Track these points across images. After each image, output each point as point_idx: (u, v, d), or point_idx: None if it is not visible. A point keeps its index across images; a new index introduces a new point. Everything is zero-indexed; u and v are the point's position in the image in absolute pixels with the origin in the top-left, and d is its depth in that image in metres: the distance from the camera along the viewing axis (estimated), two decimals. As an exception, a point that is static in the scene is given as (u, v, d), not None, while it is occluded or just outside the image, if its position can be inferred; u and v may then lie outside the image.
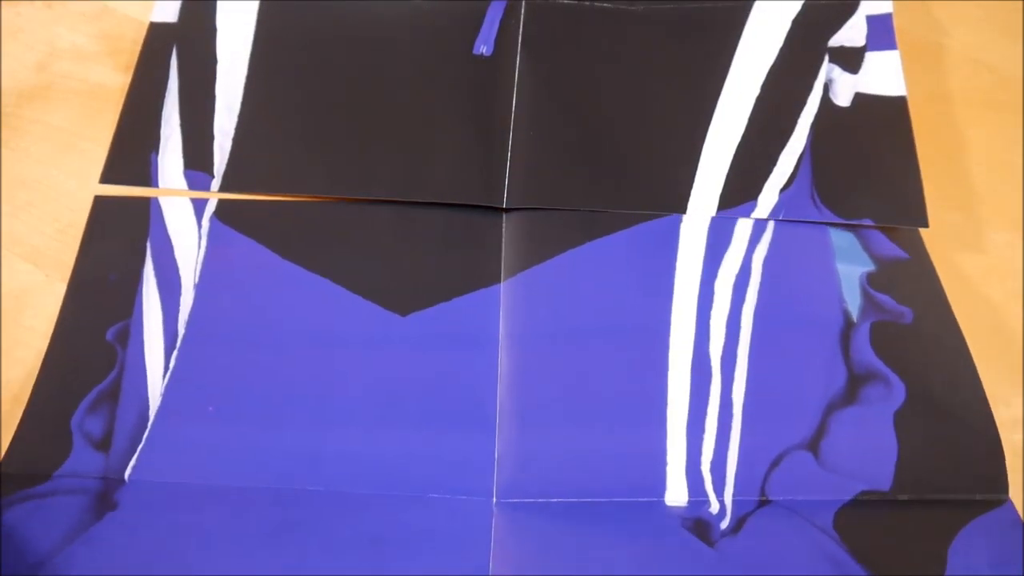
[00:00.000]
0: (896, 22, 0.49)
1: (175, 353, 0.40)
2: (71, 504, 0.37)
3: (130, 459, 0.38)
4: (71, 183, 0.46)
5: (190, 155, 0.46)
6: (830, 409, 0.39)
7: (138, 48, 0.50)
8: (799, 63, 0.48)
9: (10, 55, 0.50)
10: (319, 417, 0.39)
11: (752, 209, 0.44)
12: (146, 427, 0.39)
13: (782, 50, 0.48)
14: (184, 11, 0.51)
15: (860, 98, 0.47)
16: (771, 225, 0.43)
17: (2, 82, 0.49)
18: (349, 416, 0.39)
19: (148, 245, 0.43)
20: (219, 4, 0.51)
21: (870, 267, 0.42)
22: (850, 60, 0.48)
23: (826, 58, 0.48)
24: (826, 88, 0.47)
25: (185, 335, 0.41)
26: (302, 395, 0.39)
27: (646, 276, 0.42)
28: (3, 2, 0.52)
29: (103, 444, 0.38)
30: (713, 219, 0.43)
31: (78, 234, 0.45)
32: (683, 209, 0.44)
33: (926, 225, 0.43)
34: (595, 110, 0.47)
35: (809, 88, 0.47)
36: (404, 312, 0.41)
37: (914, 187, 0.44)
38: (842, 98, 0.47)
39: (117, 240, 0.44)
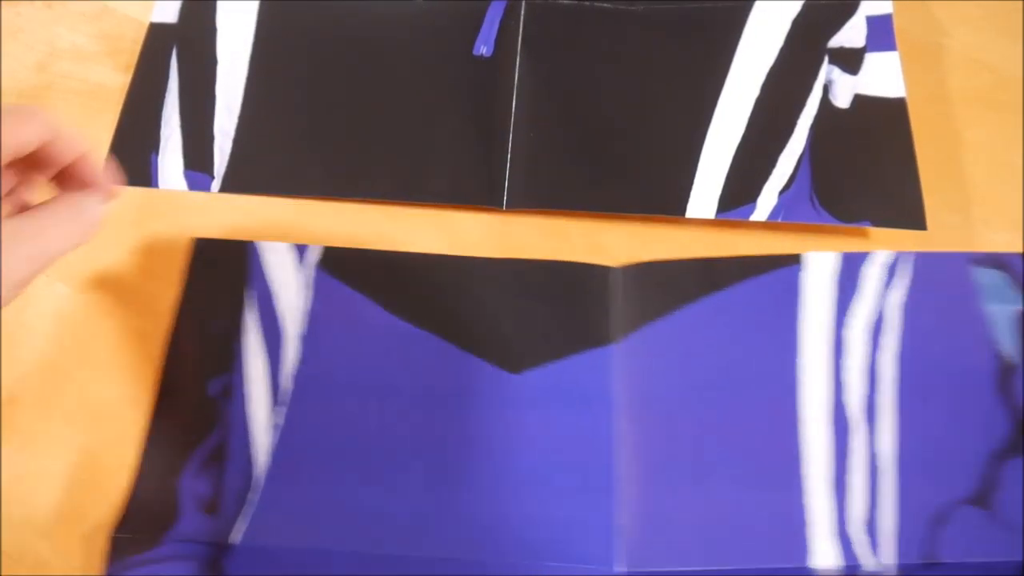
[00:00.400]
0: (896, 22, 0.49)
1: (284, 410, 0.39)
2: (182, 570, 0.36)
3: (238, 522, 0.37)
4: (71, 183, 0.46)
5: (190, 155, 0.46)
6: (996, 459, 0.37)
7: (138, 48, 0.50)
8: (799, 64, 0.48)
9: (10, 55, 0.50)
10: (431, 478, 0.37)
11: (751, 211, 0.44)
12: (253, 488, 0.37)
13: (782, 51, 0.48)
14: (184, 11, 0.51)
15: (860, 99, 0.47)
16: (905, 267, 0.42)
17: (2, 82, 0.49)
18: (461, 477, 0.37)
19: (249, 293, 0.42)
20: (219, 4, 0.50)
21: (1021, 304, 0.40)
22: (850, 61, 0.48)
23: (826, 59, 0.48)
24: (826, 89, 0.47)
25: (293, 391, 0.39)
26: (413, 455, 0.38)
27: (768, 329, 0.40)
28: (3, 2, 0.52)
29: (211, 506, 0.37)
30: (839, 269, 0.42)
31: (78, 234, 0.45)
32: (682, 211, 0.44)
33: (924, 228, 0.43)
34: (595, 110, 0.47)
35: (809, 89, 0.47)
36: (516, 370, 0.40)
37: (913, 190, 0.44)
38: (842, 99, 0.47)
39: (217, 285, 0.42)
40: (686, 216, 0.44)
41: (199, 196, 0.46)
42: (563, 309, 0.41)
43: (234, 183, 0.46)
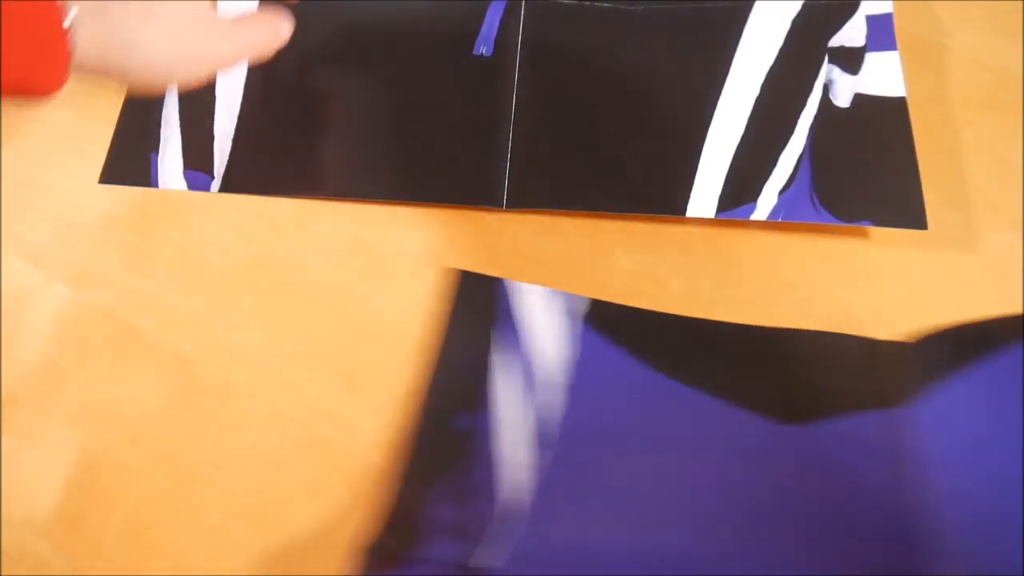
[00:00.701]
0: (896, 22, 0.49)
1: (550, 452, 0.39)
2: None
3: (493, 549, 0.37)
4: (71, 183, 0.46)
5: (190, 155, 0.46)
6: None
7: (138, 48, 0.50)
8: (799, 63, 0.47)
9: (10, 55, 0.50)
10: (692, 526, 0.37)
11: (751, 211, 0.43)
12: (511, 519, 0.37)
13: (782, 50, 0.47)
14: None
15: (860, 99, 0.46)
16: None
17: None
18: (729, 530, 0.37)
19: (497, 331, 0.42)
20: (218, 4, 0.50)
21: None
22: (850, 60, 0.47)
23: (826, 58, 0.47)
24: (826, 89, 0.46)
25: (560, 435, 0.39)
26: (678, 503, 0.38)
27: None
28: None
29: (458, 532, 0.37)
30: None
31: (78, 234, 0.45)
32: (682, 211, 0.44)
33: (925, 227, 0.43)
34: (595, 110, 0.47)
35: (809, 89, 0.46)
36: (788, 421, 0.39)
37: (913, 189, 0.44)
38: (842, 99, 0.46)
39: (470, 321, 0.42)
40: (686, 216, 0.44)
41: (199, 196, 0.45)
42: (842, 372, 0.40)
43: (234, 183, 0.46)
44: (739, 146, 0.45)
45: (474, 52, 0.48)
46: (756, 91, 0.47)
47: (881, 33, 0.48)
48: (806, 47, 0.48)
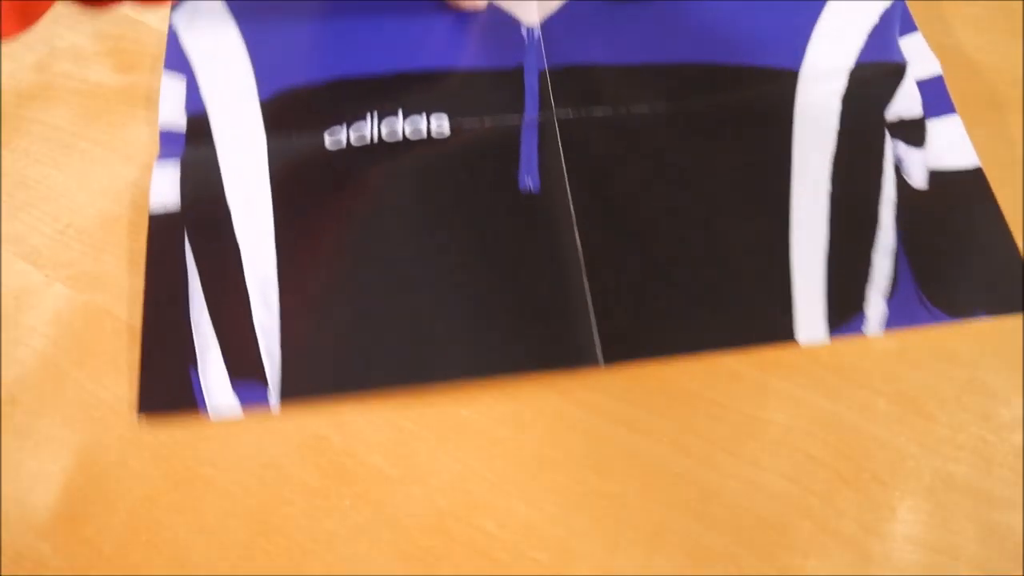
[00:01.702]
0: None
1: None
2: None
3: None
4: (71, 183, 0.46)
5: (234, 364, 0.40)
6: None
7: (138, 48, 0.50)
8: (862, 145, 0.44)
9: (10, 55, 0.50)
10: None
11: (862, 323, 0.40)
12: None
13: (840, 133, 0.44)
14: (187, 194, 0.44)
15: (935, 176, 0.43)
16: None
17: (2, 82, 0.49)
18: None
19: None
20: (226, 182, 0.44)
21: None
22: (912, 134, 0.44)
23: (887, 135, 0.44)
24: (897, 169, 0.44)
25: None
26: None
27: None
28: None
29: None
30: None
31: (78, 234, 0.45)
32: (792, 336, 0.40)
33: None
34: (663, 233, 0.42)
35: (880, 172, 0.43)
36: None
37: (1015, 266, 0.41)
38: (917, 178, 0.43)
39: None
40: (799, 342, 0.40)
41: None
42: None
43: (294, 387, 0.40)
44: (829, 252, 0.42)
45: (520, 188, 0.44)
46: (827, 184, 0.43)
47: (935, 97, 0.46)
48: (864, 125, 0.45)
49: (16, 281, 0.44)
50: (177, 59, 0.48)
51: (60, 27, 0.51)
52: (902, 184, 0.43)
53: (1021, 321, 0.41)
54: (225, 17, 0.50)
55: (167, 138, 0.46)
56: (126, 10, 0.52)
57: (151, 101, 0.49)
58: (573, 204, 0.43)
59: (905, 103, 0.45)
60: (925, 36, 0.49)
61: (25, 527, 0.38)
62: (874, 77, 0.46)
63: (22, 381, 0.41)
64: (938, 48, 0.49)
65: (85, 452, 0.40)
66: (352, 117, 0.45)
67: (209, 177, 0.44)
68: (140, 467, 0.39)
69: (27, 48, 0.51)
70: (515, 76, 0.47)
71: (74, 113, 0.48)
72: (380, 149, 0.44)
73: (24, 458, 0.39)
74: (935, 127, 0.45)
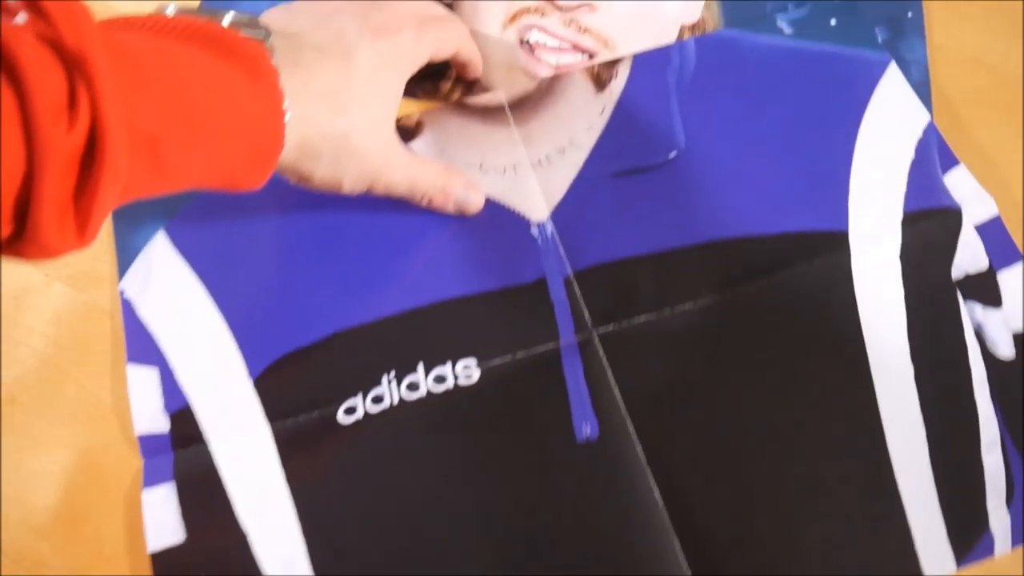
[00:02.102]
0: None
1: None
2: None
3: None
4: (71, 183, 0.46)
5: None
6: None
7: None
8: (935, 315, 0.39)
9: (10, 55, 0.50)
10: None
11: (991, 543, 0.35)
12: None
13: (908, 303, 0.39)
14: (190, 520, 0.37)
15: (1021, 341, 0.38)
16: None
17: (2, 82, 0.49)
18: None
19: None
20: (234, 499, 0.37)
21: None
22: (985, 291, 0.39)
23: (960, 298, 0.39)
24: (979, 337, 0.38)
25: None
26: None
27: None
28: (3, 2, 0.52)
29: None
30: None
31: (78, 234, 0.45)
32: (919, 571, 0.35)
33: None
34: (749, 469, 0.37)
35: (964, 347, 0.38)
36: None
37: None
38: (1003, 347, 0.38)
39: None
40: None
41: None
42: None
43: None
44: (934, 466, 0.36)
45: (578, 440, 0.37)
46: (909, 369, 0.38)
47: (999, 244, 0.40)
48: (932, 288, 0.39)
49: (16, 281, 0.44)
50: (141, 346, 0.41)
51: (60, 27, 0.51)
52: (989, 357, 0.38)
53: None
54: (186, 274, 0.42)
55: (149, 445, 0.39)
56: (125, 11, 0.52)
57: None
58: (639, 441, 0.37)
59: (968, 255, 0.40)
60: (925, 36, 0.48)
61: (25, 527, 0.38)
62: (929, 229, 0.41)
63: (22, 381, 0.41)
64: (938, 48, 0.49)
65: (85, 452, 0.40)
66: (365, 383, 0.39)
67: (211, 493, 0.37)
68: (140, 467, 0.39)
69: (27, 48, 0.51)
70: (539, 290, 0.41)
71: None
72: (404, 411, 0.38)
73: (24, 458, 0.39)
74: (1006, 279, 0.40)
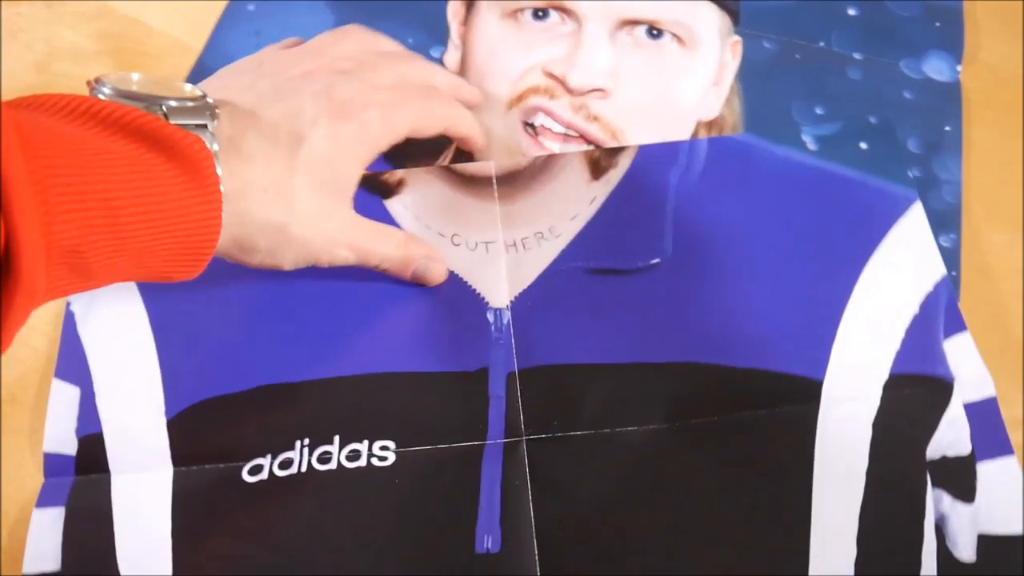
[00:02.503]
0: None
1: None
2: None
3: None
4: (71, 183, 0.46)
5: None
6: None
7: (138, 48, 0.50)
8: (896, 496, 0.35)
9: (10, 55, 0.50)
10: None
11: None
12: None
13: (869, 478, 0.35)
14: (69, 552, 0.36)
15: (986, 545, 0.34)
16: None
17: (2, 82, 0.49)
18: None
19: None
20: (118, 539, 0.36)
21: None
22: (959, 481, 0.35)
23: (928, 482, 0.35)
24: (939, 532, 0.34)
25: None
26: None
27: None
28: (3, 2, 0.52)
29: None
30: None
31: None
32: None
33: None
34: None
35: (918, 538, 0.34)
36: None
37: None
38: (964, 548, 0.34)
39: None
40: None
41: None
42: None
43: None
44: None
45: (477, 550, 0.34)
46: (852, 551, 0.34)
47: (989, 430, 0.36)
48: (900, 465, 0.35)
49: (16, 281, 0.44)
50: (71, 362, 0.40)
51: (60, 27, 0.51)
52: (945, 557, 0.34)
53: (1020, 323, 0.41)
54: (133, 299, 0.41)
55: (53, 464, 0.38)
56: (125, 11, 0.52)
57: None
58: (540, 567, 0.34)
59: (951, 435, 0.36)
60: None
61: (25, 527, 0.38)
62: (913, 397, 0.37)
63: (22, 381, 0.41)
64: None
65: (85, 452, 0.40)
66: (277, 444, 0.37)
67: (97, 528, 0.36)
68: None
69: (27, 48, 0.51)
70: (479, 381, 0.38)
71: (74, 113, 0.48)
72: (310, 481, 0.36)
73: (24, 458, 0.39)
74: (987, 472, 0.35)
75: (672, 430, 0.36)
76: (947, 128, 0.45)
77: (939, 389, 0.37)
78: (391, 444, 0.36)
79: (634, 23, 0.46)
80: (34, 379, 0.41)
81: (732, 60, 0.47)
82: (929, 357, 0.38)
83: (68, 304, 0.41)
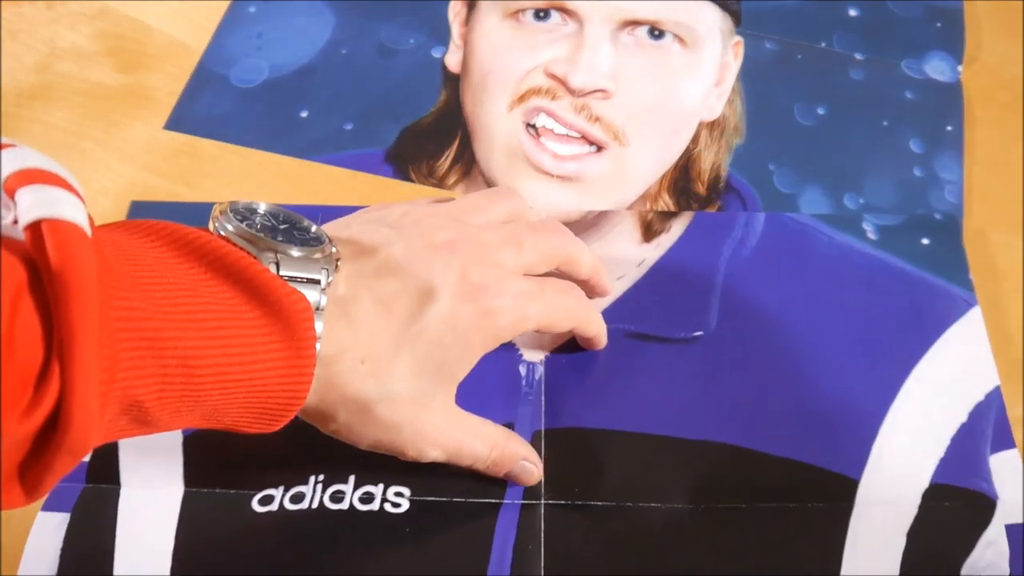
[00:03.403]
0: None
1: None
2: None
3: None
4: (71, 183, 0.46)
5: None
6: None
7: (138, 48, 0.50)
8: None
9: (10, 55, 0.50)
10: None
11: None
12: None
13: None
14: (66, 562, 0.34)
15: None
16: None
17: (2, 82, 0.49)
18: None
19: None
20: (117, 558, 0.35)
21: None
22: None
23: None
24: None
25: None
26: None
27: None
28: (3, 2, 0.52)
29: None
30: None
31: (78, 234, 0.45)
32: None
33: None
34: None
35: None
36: None
37: None
38: None
39: None
40: None
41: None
42: None
43: None
44: None
45: None
46: None
47: None
48: None
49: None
50: None
51: (60, 27, 0.51)
52: None
53: (1020, 323, 0.41)
54: None
55: None
56: (126, 11, 0.52)
57: (151, 101, 0.49)
58: None
59: (988, 556, 0.34)
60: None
61: (25, 527, 0.38)
62: (952, 512, 0.35)
63: (22, 381, 0.41)
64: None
65: (86, 452, 0.39)
66: (291, 477, 0.36)
67: (100, 540, 0.35)
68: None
69: (27, 48, 0.51)
70: None
71: (74, 113, 0.48)
72: (320, 519, 0.35)
73: (25, 458, 0.39)
74: None
75: (696, 511, 0.35)
76: (948, 128, 0.46)
77: (981, 506, 0.35)
78: (406, 491, 0.35)
79: (636, 24, 0.46)
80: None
81: (734, 61, 0.47)
82: (973, 470, 0.36)
83: None
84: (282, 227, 0.30)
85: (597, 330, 0.38)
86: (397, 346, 0.31)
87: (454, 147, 0.44)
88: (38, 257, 0.23)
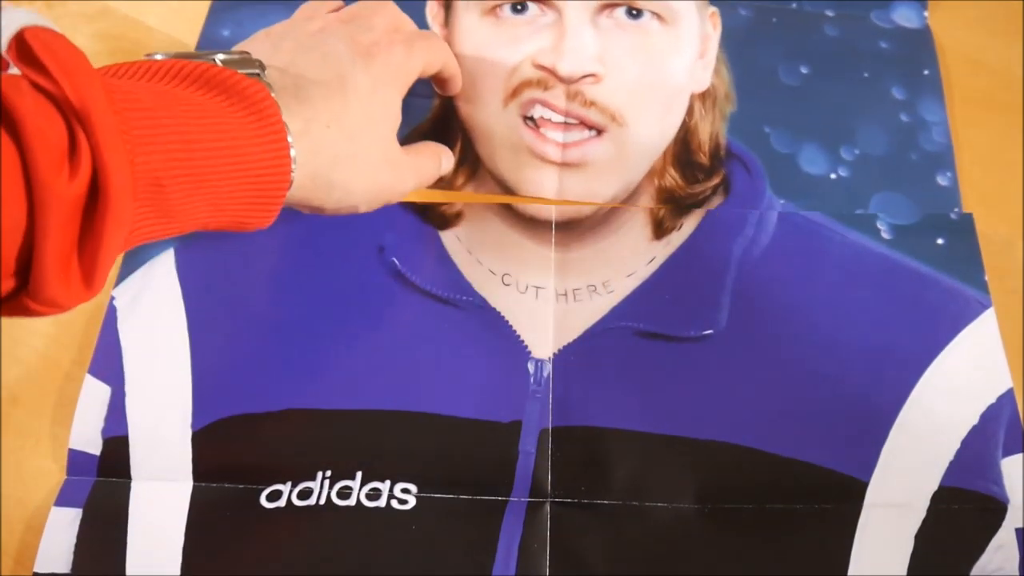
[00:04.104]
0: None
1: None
2: None
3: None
4: (71, 183, 0.46)
5: None
6: None
7: (138, 48, 0.50)
8: None
9: (10, 55, 0.50)
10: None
11: None
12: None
13: None
14: (80, 557, 0.36)
15: None
16: None
17: (2, 82, 0.49)
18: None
19: None
20: (129, 550, 0.36)
21: None
22: None
23: None
24: None
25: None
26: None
27: None
28: (3, 2, 0.52)
29: None
30: None
31: (78, 234, 0.45)
32: None
33: None
34: None
35: None
36: None
37: None
38: None
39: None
40: None
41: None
42: None
43: None
44: None
45: None
46: None
47: None
48: None
49: (16, 281, 0.44)
50: (106, 360, 0.40)
51: (60, 27, 0.51)
52: None
53: (1020, 323, 0.41)
54: (175, 303, 0.41)
55: (77, 461, 0.38)
56: (126, 11, 0.52)
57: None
58: None
59: (998, 560, 0.34)
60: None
61: (25, 527, 0.38)
62: (962, 515, 0.35)
63: (23, 381, 0.41)
64: (938, 48, 0.49)
65: (85, 452, 0.40)
66: (299, 473, 0.37)
67: (112, 534, 0.36)
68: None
69: (27, 48, 0.51)
70: (510, 433, 0.37)
71: (74, 113, 0.48)
72: (327, 515, 0.36)
73: (24, 458, 0.39)
74: None
75: (702, 512, 0.35)
76: (926, 72, 0.47)
77: (991, 509, 0.35)
78: (412, 487, 0.36)
79: (613, 6, 0.46)
80: (35, 379, 0.41)
81: (713, 31, 0.48)
82: (984, 473, 0.36)
83: (112, 298, 0.41)
84: (198, 54, 0.34)
85: (455, 70, 0.44)
86: (345, 105, 0.35)
87: (456, 149, 0.45)
88: (29, 67, 0.26)
